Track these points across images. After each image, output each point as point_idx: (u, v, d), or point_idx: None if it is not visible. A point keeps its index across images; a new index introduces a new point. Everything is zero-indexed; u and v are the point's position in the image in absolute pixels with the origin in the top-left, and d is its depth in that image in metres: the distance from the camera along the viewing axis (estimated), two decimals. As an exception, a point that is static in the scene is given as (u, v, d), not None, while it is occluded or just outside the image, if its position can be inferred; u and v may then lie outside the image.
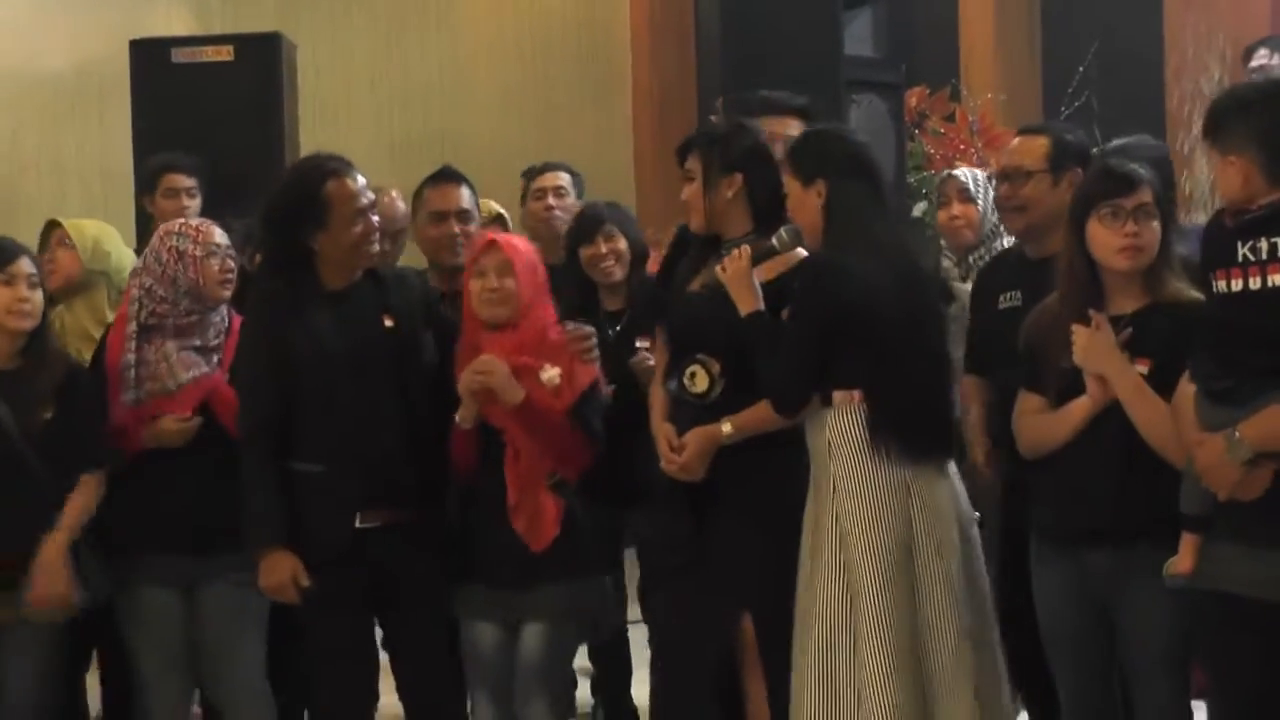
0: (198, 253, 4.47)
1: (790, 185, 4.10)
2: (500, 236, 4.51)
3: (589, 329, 4.46)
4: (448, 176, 5.24)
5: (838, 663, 3.94)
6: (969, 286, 4.97)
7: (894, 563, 3.94)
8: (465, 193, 5.19)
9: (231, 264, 4.53)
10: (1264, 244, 3.40)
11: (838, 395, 3.98)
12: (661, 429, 4.22)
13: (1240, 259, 3.42)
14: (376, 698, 4.57)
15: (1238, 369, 3.47)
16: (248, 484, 4.28)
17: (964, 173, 5.47)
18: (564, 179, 5.89)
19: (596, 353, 4.40)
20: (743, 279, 4.06)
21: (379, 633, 4.57)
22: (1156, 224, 3.82)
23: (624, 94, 10.45)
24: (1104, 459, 3.83)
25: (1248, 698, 3.57)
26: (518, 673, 4.35)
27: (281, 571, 4.21)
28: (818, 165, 4.05)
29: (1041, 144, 4.49)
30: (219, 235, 4.54)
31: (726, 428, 4.10)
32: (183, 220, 4.72)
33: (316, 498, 4.27)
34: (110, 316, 5.02)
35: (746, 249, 4.10)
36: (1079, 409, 3.86)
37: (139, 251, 5.24)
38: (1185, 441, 3.61)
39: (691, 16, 10.20)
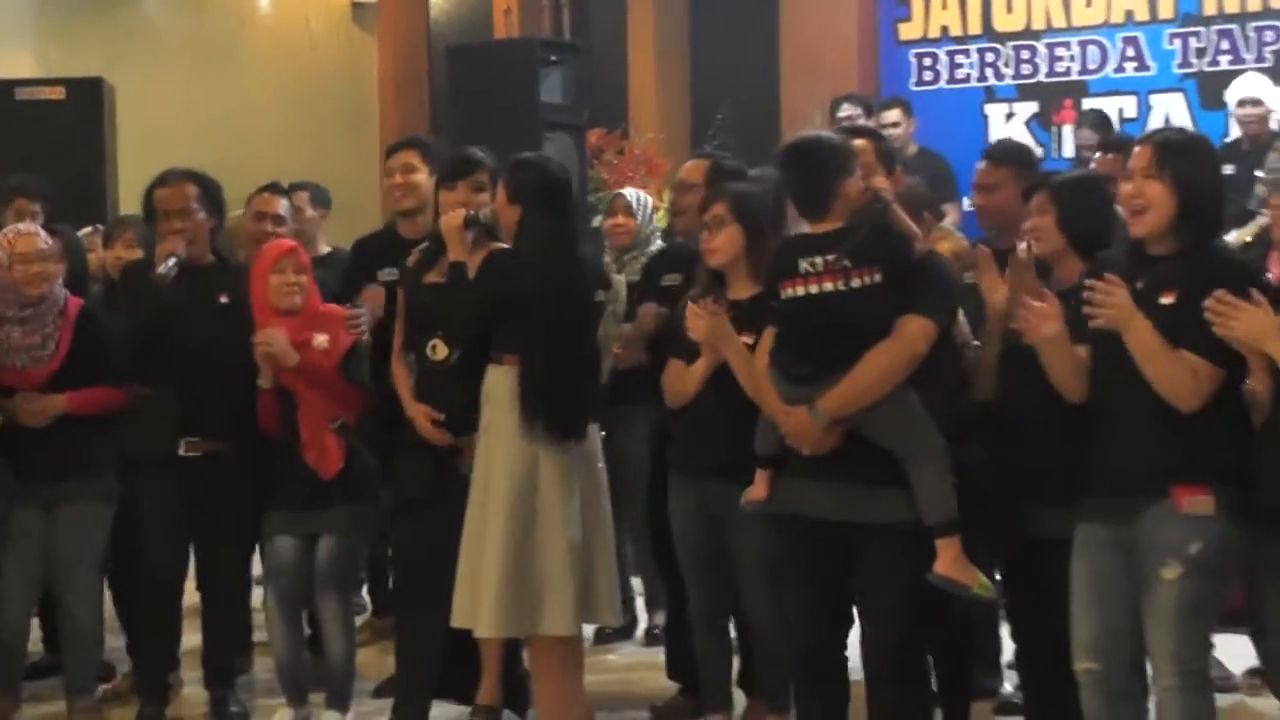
0: (9, 263, 4.80)
1: (501, 195, 4.44)
2: (297, 243, 4.87)
3: (359, 309, 4.84)
4: (269, 188, 5.62)
5: (468, 562, 4.32)
6: (624, 278, 5.55)
7: (519, 488, 4.28)
8: (283, 202, 5.54)
9: (38, 267, 4.79)
10: (819, 260, 3.72)
11: (504, 357, 4.34)
12: (418, 408, 4.47)
13: (802, 271, 3.73)
14: (185, 571, 4.98)
15: (811, 358, 3.77)
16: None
17: (630, 192, 5.95)
18: (304, 197, 6.23)
19: (363, 326, 4.80)
20: (454, 231, 4.41)
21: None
22: (730, 230, 4.19)
23: (373, 131, 11.42)
24: (721, 409, 4.17)
25: (804, 593, 3.91)
26: (316, 575, 4.72)
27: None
28: (518, 189, 4.38)
29: (703, 166, 4.87)
30: (33, 244, 4.82)
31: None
32: (4, 233, 4.94)
33: (150, 417, 4.86)
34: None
35: (460, 212, 4.41)
36: (699, 368, 4.24)
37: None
38: (766, 407, 3.91)
39: (426, 72, 11.52)
